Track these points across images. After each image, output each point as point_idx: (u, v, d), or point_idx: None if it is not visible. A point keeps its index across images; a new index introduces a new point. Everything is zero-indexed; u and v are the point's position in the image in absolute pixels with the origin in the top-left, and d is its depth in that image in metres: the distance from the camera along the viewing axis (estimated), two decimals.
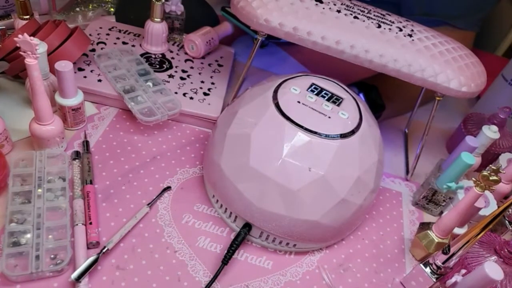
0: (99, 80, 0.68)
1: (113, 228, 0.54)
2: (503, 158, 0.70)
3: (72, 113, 0.62)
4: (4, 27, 0.73)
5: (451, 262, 0.51)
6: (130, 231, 0.54)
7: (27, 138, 0.61)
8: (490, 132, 0.65)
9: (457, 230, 0.61)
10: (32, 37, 0.49)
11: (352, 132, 0.53)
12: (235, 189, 0.53)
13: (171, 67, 0.74)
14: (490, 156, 0.74)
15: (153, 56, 0.75)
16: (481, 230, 0.47)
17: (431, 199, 0.66)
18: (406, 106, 0.79)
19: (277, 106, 0.53)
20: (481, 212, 0.60)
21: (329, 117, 0.53)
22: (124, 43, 0.76)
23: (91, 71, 0.69)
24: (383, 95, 0.74)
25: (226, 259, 0.52)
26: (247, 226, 0.54)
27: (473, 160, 0.59)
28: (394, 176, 0.72)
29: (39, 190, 0.53)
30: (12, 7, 0.77)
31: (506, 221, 0.64)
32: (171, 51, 0.78)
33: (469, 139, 0.63)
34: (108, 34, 0.78)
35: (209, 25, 0.79)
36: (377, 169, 0.56)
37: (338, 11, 0.59)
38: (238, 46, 0.86)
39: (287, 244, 0.56)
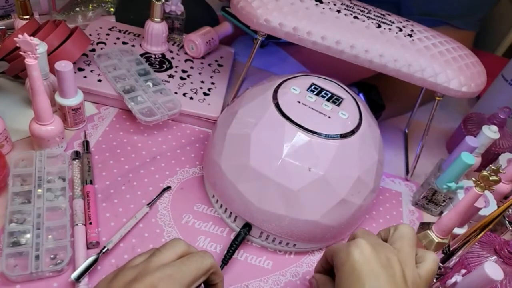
0: (99, 80, 0.68)
1: (113, 228, 0.54)
2: (503, 158, 0.70)
3: (72, 113, 0.62)
4: (4, 27, 0.73)
5: (451, 262, 0.51)
6: (130, 231, 0.54)
7: (27, 138, 0.61)
8: (490, 132, 0.65)
9: (457, 230, 0.61)
10: (32, 37, 0.49)
11: (352, 132, 0.53)
12: (235, 189, 0.53)
13: (171, 67, 0.74)
14: (490, 156, 0.74)
15: (153, 56, 0.75)
16: (481, 230, 0.47)
17: (431, 199, 0.66)
18: (406, 106, 0.79)
19: (277, 106, 0.53)
20: (481, 212, 0.60)
21: (329, 117, 0.53)
22: (124, 43, 0.76)
23: (91, 71, 0.69)
24: (383, 95, 0.74)
25: (226, 259, 0.52)
26: (247, 226, 0.54)
27: (473, 160, 0.59)
28: (394, 176, 0.72)
29: (39, 190, 0.53)
30: (12, 7, 0.77)
31: (506, 221, 0.64)
32: (171, 51, 0.78)
33: (469, 139, 0.63)
34: (108, 34, 0.78)
35: (209, 25, 0.79)
36: (377, 169, 0.56)
37: (338, 11, 0.59)
38: (238, 46, 0.86)
39: (287, 244, 0.56)
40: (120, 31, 0.79)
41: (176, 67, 0.75)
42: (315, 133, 0.51)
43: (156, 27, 0.73)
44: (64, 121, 0.62)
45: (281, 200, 0.51)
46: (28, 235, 0.49)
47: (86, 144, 0.61)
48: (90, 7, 0.84)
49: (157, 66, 0.74)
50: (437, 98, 0.62)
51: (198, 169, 0.64)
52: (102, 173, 0.59)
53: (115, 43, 0.76)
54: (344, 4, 0.60)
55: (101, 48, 0.74)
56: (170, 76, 0.73)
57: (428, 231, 0.59)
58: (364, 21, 0.59)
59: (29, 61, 0.50)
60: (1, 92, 0.67)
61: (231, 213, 0.56)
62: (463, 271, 0.53)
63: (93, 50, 0.73)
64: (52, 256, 0.49)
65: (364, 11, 0.60)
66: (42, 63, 0.59)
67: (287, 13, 0.57)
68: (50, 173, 0.56)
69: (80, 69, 0.69)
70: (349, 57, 0.58)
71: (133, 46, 0.76)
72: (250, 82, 0.77)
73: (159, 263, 0.37)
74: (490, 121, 0.72)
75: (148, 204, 0.57)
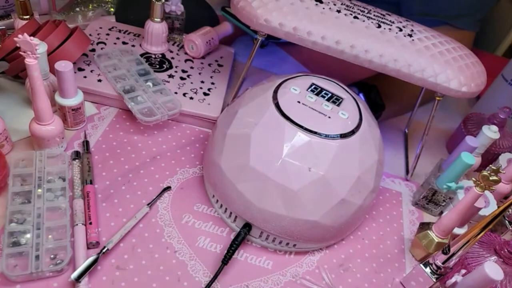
0: (99, 80, 0.68)
1: (113, 228, 0.54)
2: (503, 158, 0.70)
3: (72, 113, 0.62)
4: (4, 27, 0.73)
5: (451, 262, 0.51)
6: (130, 231, 0.54)
7: (27, 138, 0.61)
8: (490, 132, 0.65)
9: (457, 230, 0.61)
10: (32, 37, 0.49)
11: (352, 132, 0.53)
12: (235, 189, 0.53)
13: (171, 67, 0.74)
14: (490, 156, 0.74)
15: (153, 56, 0.75)
16: (481, 230, 0.47)
17: (431, 199, 0.66)
18: (406, 106, 0.79)
19: (277, 106, 0.53)
20: (481, 212, 0.60)
21: (329, 117, 0.53)
22: (124, 43, 0.76)
23: (91, 71, 0.69)
24: (383, 95, 0.74)
25: (226, 259, 0.52)
26: (247, 226, 0.54)
27: (473, 160, 0.59)
28: (394, 176, 0.72)
29: (39, 190, 0.53)
30: (12, 7, 0.77)
31: (506, 221, 0.64)
32: (171, 51, 0.78)
33: (469, 139, 0.63)
34: (108, 34, 0.78)
35: (209, 25, 0.79)
36: (377, 169, 0.56)
37: (338, 11, 0.59)
38: (238, 46, 0.86)
39: (287, 244, 0.56)
40: (120, 31, 0.79)
41: (176, 67, 0.75)
42: (315, 133, 0.51)
43: (156, 27, 0.73)
44: (64, 121, 0.62)
45: (281, 200, 0.51)
46: (28, 235, 0.49)
47: (86, 144, 0.61)
48: (90, 7, 0.84)
49: (157, 66, 0.74)
50: (437, 98, 0.62)
51: (198, 169, 0.64)
52: (102, 173, 0.59)
53: (115, 43, 0.76)
54: (344, 4, 0.60)
55: (101, 48, 0.74)
56: (170, 76, 0.73)
57: (428, 231, 0.59)
58: (364, 21, 0.59)
59: (29, 61, 0.50)
60: (1, 92, 0.67)
61: (231, 213, 0.56)
62: (463, 271, 0.54)
63: (93, 50, 0.73)
64: (52, 256, 0.49)
65: (364, 11, 0.60)
66: (42, 63, 0.59)
67: (287, 13, 0.57)
68: (50, 173, 0.56)
69: (80, 69, 0.69)
70: (349, 57, 0.58)
71: (133, 46, 0.76)
72: (250, 82, 0.77)
73: None
74: (490, 121, 0.72)
75: (148, 204, 0.57)
